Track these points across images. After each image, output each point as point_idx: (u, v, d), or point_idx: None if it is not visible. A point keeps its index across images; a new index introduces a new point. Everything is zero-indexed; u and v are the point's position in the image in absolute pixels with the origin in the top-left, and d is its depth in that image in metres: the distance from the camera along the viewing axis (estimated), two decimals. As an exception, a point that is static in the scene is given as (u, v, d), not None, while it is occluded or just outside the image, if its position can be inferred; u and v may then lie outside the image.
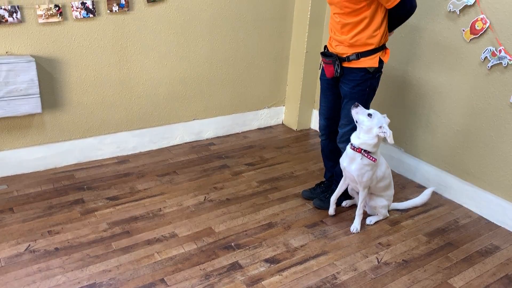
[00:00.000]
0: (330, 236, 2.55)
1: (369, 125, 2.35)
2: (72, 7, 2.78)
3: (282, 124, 4.13)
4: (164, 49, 3.23)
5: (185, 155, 3.42)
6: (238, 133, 3.87)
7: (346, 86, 2.50)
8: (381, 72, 2.51)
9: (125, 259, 2.26)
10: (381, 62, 2.46)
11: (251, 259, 2.32)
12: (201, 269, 2.22)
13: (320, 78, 2.69)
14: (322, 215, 2.74)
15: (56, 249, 2.30)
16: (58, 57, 2.85)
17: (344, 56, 2.44)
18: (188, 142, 3.62)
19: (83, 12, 2.83)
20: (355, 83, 2.47)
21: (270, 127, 4.05)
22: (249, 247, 2.41)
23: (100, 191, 2.85)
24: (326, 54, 2.51)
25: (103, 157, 3.26)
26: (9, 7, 2.60)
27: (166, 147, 3.51)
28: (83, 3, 2.80)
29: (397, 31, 3.09)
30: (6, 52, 2.69)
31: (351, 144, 2.45)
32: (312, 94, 3.94)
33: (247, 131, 3.91)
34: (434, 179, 3.09)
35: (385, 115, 2.41)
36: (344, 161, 2.52)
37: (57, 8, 2.74)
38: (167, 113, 3.44)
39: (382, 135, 2.35)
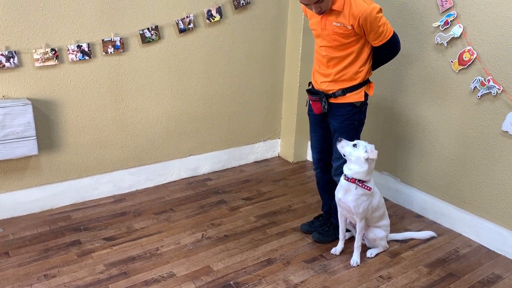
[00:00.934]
0: (330, 270, 2.52)
1: (356, 154, 2.38)
2: (68, 50, 2.84)
3: (279, 156, 4.14)
4: (159, 88, 3.27)
5: (182, 191, 3.42)
6: (234, 167, 3.88)
7: (335, 121, 2.54)
8: (367, 104, 2.57)
9: (123, 302, 2.23)
10: (366, 95, 2.51)
11: (251, 297, 2.29)
12: (200, 310, 2.19)
13: (308, 114, 2.73)
14: (322, 249, 2.72)
15: (52, 293, 2.26)
16: (54, 99, 2.89)
17: (330, 92, 2.48)
18: (184, 178, 3.62)
19: (79, 54, 2.88)
20: (343, 117, 2.51)
21: (267, 160, 4.07)
22: (249, 285, 2.37)
23: (97, 231, 2.83)
24: (312, 91, 2.55)
25: (100, 197, 3.25)
26: (6, 52, 2.65)
27: (162, 184, 3.51)
28: (78, 46, 2.86)
29: (388, 63, 3.16)
30: (3, 96, 2.72)
31: (345, 175, 2.47)
32: (306, 126, 3.97)
33: (243, 165, 3.92)
34: (431, 208, 3.09)
35: (372, 146, 2.43)
36: (339, 193, 2.52)
37: (53, 52, 2.79)
38: (163, 150, 3.45)
39: (366, 155, 2.36)
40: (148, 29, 3.08)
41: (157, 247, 2.68)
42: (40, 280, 2.36)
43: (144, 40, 3.09)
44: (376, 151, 2.39)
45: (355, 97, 2.46)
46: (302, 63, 3.72)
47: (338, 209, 2.60)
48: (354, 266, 2.56)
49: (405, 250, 2.75)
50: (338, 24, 2.31)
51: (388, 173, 3.36)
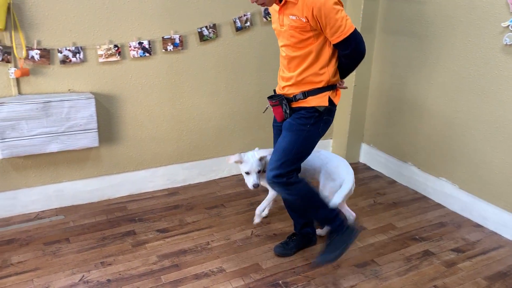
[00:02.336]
0: (382, 277, 2.46)
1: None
2: (130, 46, 2.94)
3: (330, 157, 4.08)
4: (214, 85, 3.32)
5: (233, 188, 3.45)
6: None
7: (290, 118, 2.32)
8: (331, 115, 2.32)
9: (174, 293, 2.28)
10: (331, 102, 2.27)
11: (300, 298, 2.27)
12: (248, 307, 2.20)
13: (273, 125, 2.53)
14: (373, 254, 2.65)
15: (108, 280, 2.36)
16: (115, 94, 3.01)
17: (291, 96, 2.29)
18: (235, 175, 3.66)
19: (140, 51, 2.98)
20: (298, 115, 2.27)
21: (318, 160, 4.02)
22: (298, 286, 2.36)
23: (151, 223, 2.92)
24: (272, 96, 2.36)
25: (155, 189, 3.35)
26: (73, 48, 2.79)
27: (214, 180, 3.56)
28: (140, 43, 2.96)
29: (449, 64, 3.03)
30: (69, 90, 2.87)
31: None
32: (360, 128, 3.89)
33: (294, 165, 3.90)
34: (492, 217, 2.93)
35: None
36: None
37: (116, 48, 2.90)
38: (216, 146, 3.50)
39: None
40: (206, 27, 3.13)
41: (208, 242, 2.73)
42: (97, 267, 2.47)
43: (202, 38, 3.14)
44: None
45: (317, 100, 2.24)
46: (360, 64, 3.63)
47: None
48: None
49: (462, 260, 2.62)
50: (294, 17, 2.11)
51: (446, 178, 3.22)
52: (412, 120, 3.42)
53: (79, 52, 2.81)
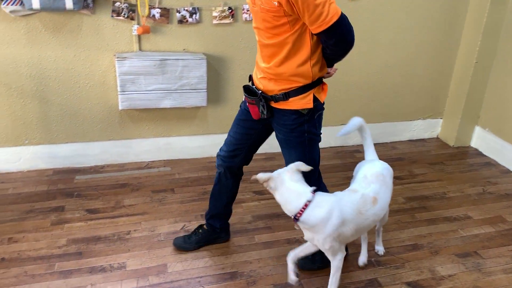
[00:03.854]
0: (485, 271, 2.29)
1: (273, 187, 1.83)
2: (243, 9, 2.97)
3: (437, 138, 3.83)
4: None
5: (330, 159, 3.41)
6: (386, 143, 3.71)
7: (279, 132, 1.98)
8: (320, 112, 1.94)
9: (266, 254, 2.36)
10: (317, 101, 1.89)
11: (392, 279, 2.21)
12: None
13: (240, 106, 2.13)
14: (477, 246, 2.47)
15: (206, 233, 2.50)
16: (225, 56, 3.08)
17: (270, 94, 1.90)
18: (333, 147, 3.60)
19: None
20: (287, 128, 1.92)
21: (423, 140, 3.80)
22: (390, 266, 2.30)
23: (247, 184, 3.01)
24: (249, 90, 1.94)
25: (253, 152, 3.44)
26: (191, 8, 2.89)
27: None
28: (252, 6, 2.97)
29: None
30: (184, 49, 3.00)
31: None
32: (476, 109, 3.57)
33: (396, 142, 3.73)
34: None
35: (283, 171, 1.83)
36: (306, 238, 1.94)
37: (230, 10, 2.95)
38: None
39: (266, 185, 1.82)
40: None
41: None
42: (197, 219, 2.63)
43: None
44: (265, 176, 1.80)
45: (300, 103, 1.86)
46: (484, 37, 3.30)
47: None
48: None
49: None
50: None
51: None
52: (541, 105, 3.05)
53: (195, 13, 2.91)
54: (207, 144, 3.31)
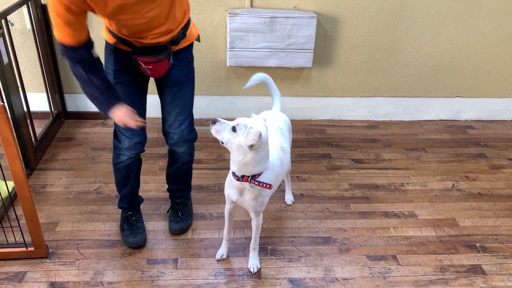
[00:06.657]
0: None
1: (237, 141, 1.63)
2: (360, -33, 2.80)
3: None
4: (442, 17, 2.97)
5: (438, 133, 3.19)
6: (505, 120, 3.36)
7: (176, 70, 1.91)
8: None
9: (361, 224, 2.31)
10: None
11: (498, 268, 2.05)
12: (437, 260, 2.09)
13: (118, 82, 1.87)
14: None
15: (301, 195, 2.51)
16: (336, 15, 2.96)
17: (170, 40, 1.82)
18: (443, 120, 3.35)
19: (370, -28, 2.81)
20: (185, 62, 1.94)
21: (550, 121, 3.38)
22: (498, 255, 2.13)
23: (347, 151, 2.95)
24: (154, 49, 1.77)
25: (354, 118, 3.33)
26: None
27: (418, 121, 3.34)
28: (371, -37, 2.78)
29: None
30: (294, 7, 2.93)
31: (233, 172, 1.75)
32: None
33: (518, 121, 3.37)
34: None
35: (256, 123, 1.63)
36: (232, 193, 1.85)
37: (346, -32, 2.79)
38: (428, 85, 3.23)
39: (249, 141, 1.58)
40: None
41: (402, 183, 2.63)
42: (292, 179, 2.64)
43: (441, -40, 2.78)
44: (257, 132, 1.57)
45: (194, 30, 1.94)
46: None
47: (227, 204, 1.97)
48: (255, 272, 2.00)
49: None
50: None
51: None
52: None
53: (309, -30, 2.80)
54: (308, 106, 3.27)
